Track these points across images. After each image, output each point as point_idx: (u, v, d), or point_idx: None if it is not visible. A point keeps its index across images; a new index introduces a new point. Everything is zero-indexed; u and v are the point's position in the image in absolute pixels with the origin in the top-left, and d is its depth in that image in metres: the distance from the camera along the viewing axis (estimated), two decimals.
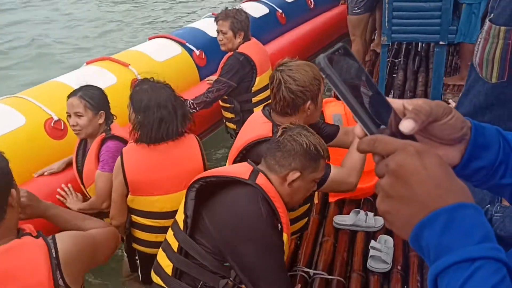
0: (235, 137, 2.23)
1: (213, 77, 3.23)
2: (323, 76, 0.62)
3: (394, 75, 4.60)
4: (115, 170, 2.19)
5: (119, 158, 2.17)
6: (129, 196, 2.19)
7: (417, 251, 0.60)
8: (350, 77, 0.63)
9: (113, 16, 8.97)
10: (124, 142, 2.33)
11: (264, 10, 4.80)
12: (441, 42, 3.54)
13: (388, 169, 0.59)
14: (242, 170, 1.67)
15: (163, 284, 1.72)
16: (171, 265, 1.69)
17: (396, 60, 4.83)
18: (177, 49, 3.87)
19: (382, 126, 0.63)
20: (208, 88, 3.09)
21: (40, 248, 1.33)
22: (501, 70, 1.52)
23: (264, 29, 4.47)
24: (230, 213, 1.59)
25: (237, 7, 3.28)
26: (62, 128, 2.80)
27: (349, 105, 0.62)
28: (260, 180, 1.62)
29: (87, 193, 2.48)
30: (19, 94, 2.96)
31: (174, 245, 1.70)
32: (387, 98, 0.67)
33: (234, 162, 1.95)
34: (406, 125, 0.63)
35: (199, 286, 1.63)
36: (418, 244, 0.58)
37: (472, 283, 0.53)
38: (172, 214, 1.98)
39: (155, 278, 1.77)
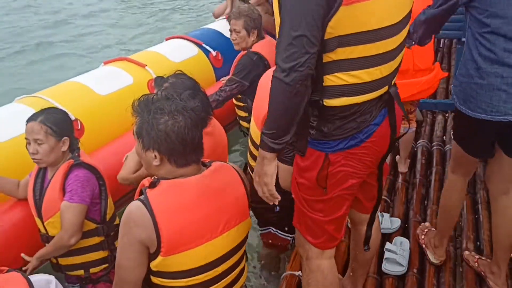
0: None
1: (228, 78, 3.19)
2: None
3: None
4: None
5: None
6: None
7: None
8: None
9: (133, 16, 9.08)
10: (94, 170, 2.19)
11: None
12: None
13: None
14: None
15: None
16: None
17: None
18: (194, 50, 3.88)
19: None
20: (221, 87, 3.06)
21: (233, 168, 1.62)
22: None
23: None
24: None
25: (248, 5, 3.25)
26: (79, 127, 2.84)
27: None
28: None
29: (45, 227, 2.20)
30: (37, 93, 3.00)
31: None
32: None
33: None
34: None
35: None
36: None
37: None
38: None
39: None
